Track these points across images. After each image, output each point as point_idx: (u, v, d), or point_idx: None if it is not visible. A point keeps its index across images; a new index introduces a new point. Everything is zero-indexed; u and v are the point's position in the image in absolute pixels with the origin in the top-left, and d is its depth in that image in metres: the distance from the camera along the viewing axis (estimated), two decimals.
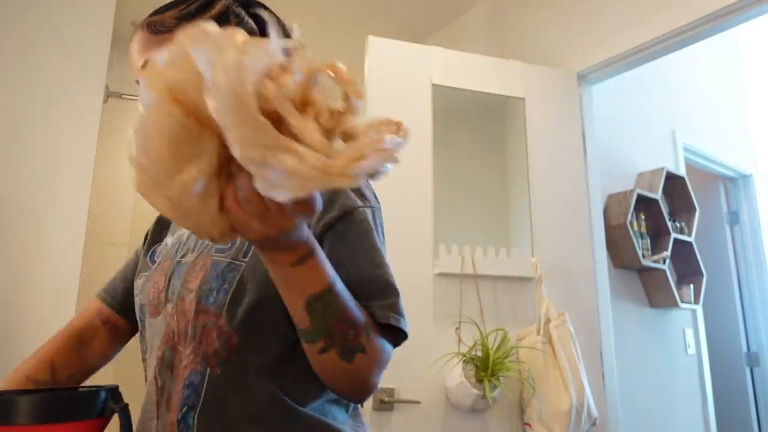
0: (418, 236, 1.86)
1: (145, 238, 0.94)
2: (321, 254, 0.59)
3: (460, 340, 1.80)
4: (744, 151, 3.37)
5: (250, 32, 0.82)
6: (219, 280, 0.70)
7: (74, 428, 0.81)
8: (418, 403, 1.73)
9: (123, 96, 2.30)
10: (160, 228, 0.93)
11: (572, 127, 2.17)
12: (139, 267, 0.88)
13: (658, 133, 2.81)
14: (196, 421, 0.68)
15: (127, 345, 0.97)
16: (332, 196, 0.71)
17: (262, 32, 0.85)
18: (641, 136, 2.69)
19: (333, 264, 0.62)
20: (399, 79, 1.98)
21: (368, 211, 0.73)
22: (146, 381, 0.77)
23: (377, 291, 0.68)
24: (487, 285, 1.92)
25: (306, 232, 0.56)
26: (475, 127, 2.30)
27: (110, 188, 2.99)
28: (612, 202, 2.38)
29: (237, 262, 0.71)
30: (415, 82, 1.99)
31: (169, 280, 0.76)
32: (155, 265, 0.83)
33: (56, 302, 1.77)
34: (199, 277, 0.72)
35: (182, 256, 0.77)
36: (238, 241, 0.72)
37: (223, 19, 0.80)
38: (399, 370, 1.69)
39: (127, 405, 0.88)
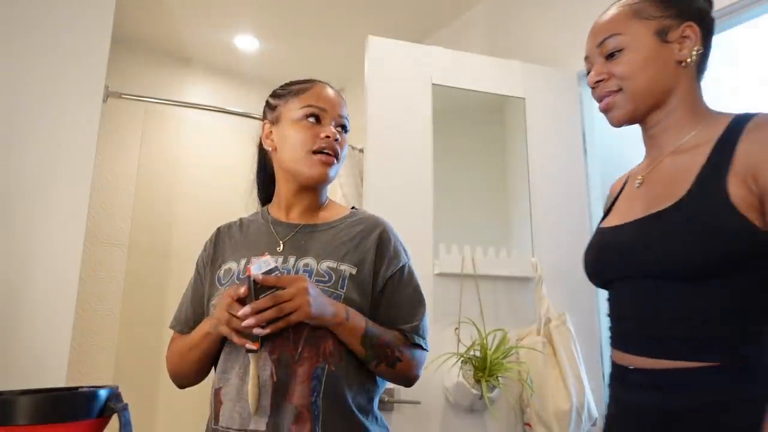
0: (418, 236, 1.86)
1: (203, 266, 1.17)
2: (353, 315, 1.00)
3: (459, 341, 1.80)
4: None
5: None
6: None
7: (74, 428, 0.81)
8: (418, 403, 1.73)
9: (122, 96, 2.30)
10: (216, 253, 1.15)
11: (572, 127, 2.17)
12: (207, 292, 1.11)
13: None
14: (321, 403, 0.96)
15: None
16: (396, 253, 1.10)
17: None
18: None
19: (397, 298, 1.08)
20: (399, 79, 1.98)
21: (410, 261, 1.13)
22: (239, 379, 0.99)
23: (410, 317, 1.08)
24: (487, 285, 1.91)
25: (332, 313, 0.97)
26: (475, 127, 2.29)
27: (110, 188, 2.99)
28: None
29: (337, 291, 1.03)
30: (415, 82, 1.99)
31: None
32: (229, 286, 1.05)
33: (55, 302, 1.77)
34: None
35: None
36: (334, 276, 1.03)
37: None
38: None
39: (127, 405, 0.88)
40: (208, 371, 1.10)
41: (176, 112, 3.24)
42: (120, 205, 3.01)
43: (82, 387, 0.93)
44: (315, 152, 1.09)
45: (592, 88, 0.98)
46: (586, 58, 1.01)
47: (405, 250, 1.14)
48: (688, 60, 0.93)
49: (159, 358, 1.27)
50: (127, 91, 2.36)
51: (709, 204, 0.81)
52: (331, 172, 1.11)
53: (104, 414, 0.87)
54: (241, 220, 1.21)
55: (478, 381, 1.70)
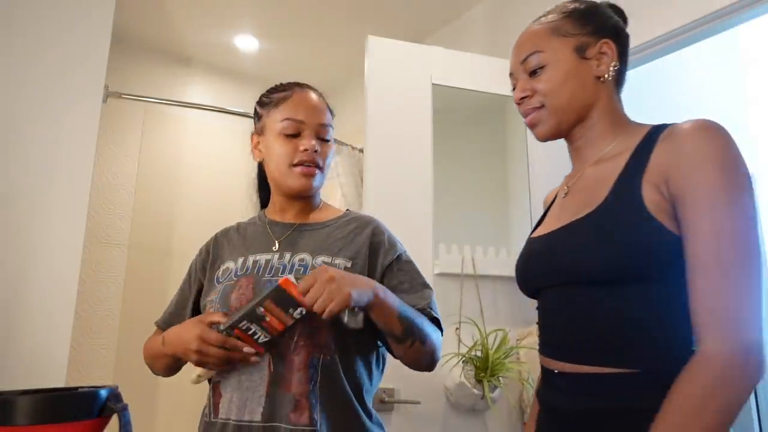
0: (418, 236, 1.86)
1: (196, 270, 1.21)
2: (388, 295, 0.99)
3: (459, 341, 1.80)
4: (744, 151, 3.36)
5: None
6: None
7: (74, 428, 0.80)
8: (418, 403, 1.73)
9: (122, 96, 2.30)
10: (215, 257, 1.18)
11: None
12: (206, 289, 1.15)
13: None
14: (319, 392, 0.98)
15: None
16: (391, 243, 1.13)
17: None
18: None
19: (399, 283, 1.10)
20: (399, 78, 1.98)
21: (406, 251, 1.17)
22: (237, 371, 1.01)
23: (424, 297, 1.11)
24: (487, 285, 1.91)
25: (371, 288, 0.95)
26: (475, 127, 2.29)
27: (110, 188, 2.99)
28: None
29: None
30: (414, 81, 1.99)
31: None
32: (227, 282, 1.09)
33: (55, 301, 1.77)
34: None
35: (272, 275, 1.06)
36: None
37: None
38: (399, 370, 1.67)
39: (127, 405, 0.88)
40: (178, 370, 1.16)
41: (176, 112, 3.23)
42: (120, 205, 3.01)
43: (82, 387, 0.93)
44: (295, 165, 1.10)
45: (518, 104, 1.01)
46: (511, 75, 1.03)
47: (399, 243, 1.17)
48: (606, 75, 0.96)
49: None
50: (127, 91, 2.36)
51: (625, 209, 0.82)
52: (315, 182, 1.12)
53: (104, 414, 0.87)
54: (238, 224, 1.25)
55: (479, 381, 1.70)
